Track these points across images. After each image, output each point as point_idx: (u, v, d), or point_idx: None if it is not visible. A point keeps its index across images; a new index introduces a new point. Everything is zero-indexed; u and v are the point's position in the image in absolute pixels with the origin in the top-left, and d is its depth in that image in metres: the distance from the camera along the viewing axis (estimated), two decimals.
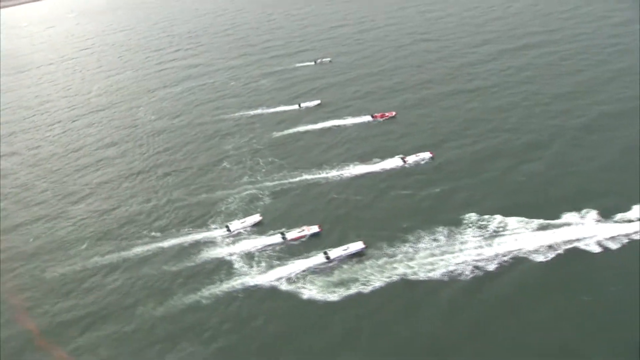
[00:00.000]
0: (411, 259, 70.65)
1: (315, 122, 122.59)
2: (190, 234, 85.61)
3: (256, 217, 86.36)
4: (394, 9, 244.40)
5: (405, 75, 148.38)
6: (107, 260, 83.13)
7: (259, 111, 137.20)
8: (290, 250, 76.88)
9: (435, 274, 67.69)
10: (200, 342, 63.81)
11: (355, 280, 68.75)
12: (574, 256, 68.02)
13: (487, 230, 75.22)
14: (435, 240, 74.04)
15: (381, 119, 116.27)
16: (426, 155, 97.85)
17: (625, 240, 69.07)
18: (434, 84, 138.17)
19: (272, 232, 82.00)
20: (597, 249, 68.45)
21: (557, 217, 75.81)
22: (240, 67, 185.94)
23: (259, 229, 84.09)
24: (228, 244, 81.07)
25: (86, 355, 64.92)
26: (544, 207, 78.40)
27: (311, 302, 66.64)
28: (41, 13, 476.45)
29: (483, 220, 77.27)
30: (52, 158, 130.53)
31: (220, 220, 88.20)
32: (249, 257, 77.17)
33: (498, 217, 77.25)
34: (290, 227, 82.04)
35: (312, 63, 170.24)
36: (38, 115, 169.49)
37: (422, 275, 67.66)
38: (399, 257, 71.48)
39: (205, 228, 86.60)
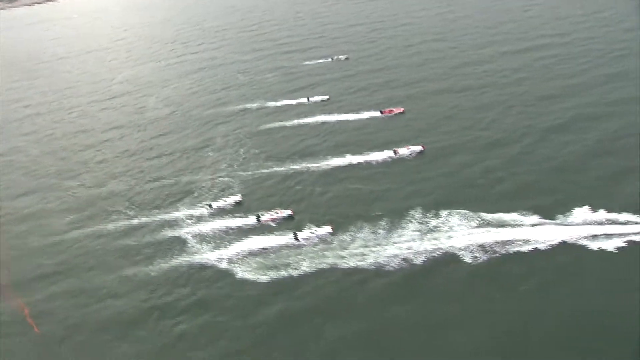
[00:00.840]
0: (366, 246, 74.28)
1: (318, 115, 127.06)
2: (169, 212, 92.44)
3: (237, 197, 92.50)
4: (415, 10, 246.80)
5: (418, 73, 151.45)
6: (83, 230, 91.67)
7: (270, 103, 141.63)
8: (262, 230, 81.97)
9: (364, 264, 70.71)
10: (138, 301, 71.31)
11: (287, 265, 73.02)
12: (503, 256, 68.96)
13: (427, 226, 76.76)
14: (374, 232, 76.84)
15: (390, 114, 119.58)
16: (418, 148, 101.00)
17: (558, 241, 69.75)
18: (435, 82, 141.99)
19: (248, 213, 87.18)
20: (528, 249, 69.45)
21: (501, 214, 77.21)
22: (254, 60, 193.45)
23: (238, 208, 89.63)
24: (199, 222, 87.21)
25: (42, 304, 73.66)
26: (491, 204, 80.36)
27: (244, 281, 71.55)
28: (95, 5, 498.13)
29: (427, 215, 79.50)
30: (63, 138, 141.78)
31: (199, 199, 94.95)
32: (221, 235, 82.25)
33: (444, 213, 79.36)
34: (267, 209, 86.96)
35: (329, 60, 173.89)
36: (63, 99, 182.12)
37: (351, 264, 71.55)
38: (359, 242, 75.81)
39: (187, 206, 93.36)
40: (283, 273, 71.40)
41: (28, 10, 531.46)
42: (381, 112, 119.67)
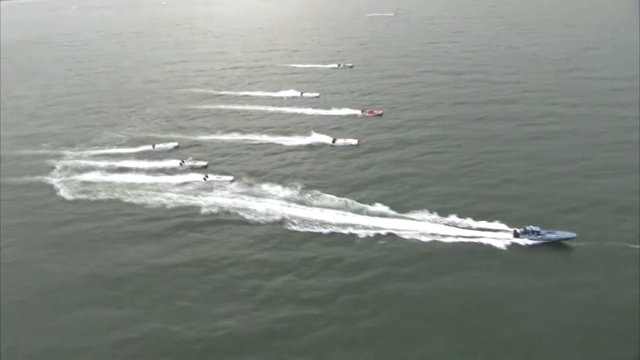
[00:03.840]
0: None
1: (305, 108, 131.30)
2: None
3: (174, 143, 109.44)
4: (427, 27, 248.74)
5: (416, 86, 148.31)
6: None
7: (267, 93, 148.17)
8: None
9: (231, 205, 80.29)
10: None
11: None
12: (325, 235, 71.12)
13: (297, 197, 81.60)
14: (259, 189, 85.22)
15: (368, 115, 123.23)
16: (353, 141, 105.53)
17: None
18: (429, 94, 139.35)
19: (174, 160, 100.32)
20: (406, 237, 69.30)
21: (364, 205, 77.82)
22: (273, 58, 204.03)
23: (172, 153, 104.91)
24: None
25: None
26: (364, 196, 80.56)
27: None
28: None
29: (306, 190, 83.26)
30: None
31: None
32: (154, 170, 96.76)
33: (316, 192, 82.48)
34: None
35: (336, 66, 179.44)
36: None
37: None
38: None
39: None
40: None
41: None
42: (362, 112, 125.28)
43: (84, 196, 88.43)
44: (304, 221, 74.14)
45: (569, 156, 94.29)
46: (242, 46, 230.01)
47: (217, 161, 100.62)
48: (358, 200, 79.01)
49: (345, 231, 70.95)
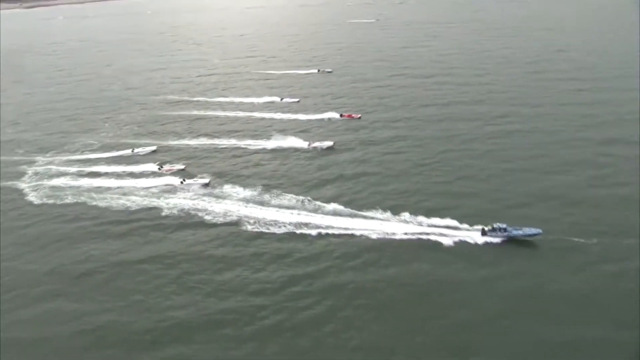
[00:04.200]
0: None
1: (284, 113, 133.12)
2: None
3: (153, 147, 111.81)
4: (405, 32, 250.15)
5: (391, 89, 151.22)
6: None
7: (245, 99, 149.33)
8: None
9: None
10: None
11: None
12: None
13: (258, 197, 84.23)
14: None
15: (348, 118, 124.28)
16: (329, 143, 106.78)
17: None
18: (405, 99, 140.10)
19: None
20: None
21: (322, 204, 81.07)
22: (252, 65, 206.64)
23: (152, 156, 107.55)
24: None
25: None
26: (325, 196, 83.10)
27: None
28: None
29: (269, 191, 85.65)
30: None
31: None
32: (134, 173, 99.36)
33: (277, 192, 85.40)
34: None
35: (316, 71, 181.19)
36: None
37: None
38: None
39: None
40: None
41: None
42: (341, 116, 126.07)
43: (51, 200, 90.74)
44: (259, 220, 77.02)
45: (524, 154, 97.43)
46: (221, 53, 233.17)
47: (194, 164, 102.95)
48: (315, 199, 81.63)
49: (299, 230, 73.61)
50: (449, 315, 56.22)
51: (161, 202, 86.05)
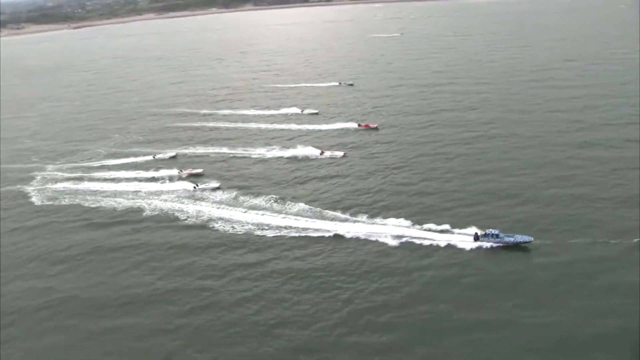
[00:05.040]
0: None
1: (304, 124, 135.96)
2: None
3: (173, 153, 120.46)
4: (424, 45, 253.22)
5: (409, 100, 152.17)
6: None
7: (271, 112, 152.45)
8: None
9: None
10: None
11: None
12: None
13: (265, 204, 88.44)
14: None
15: (365, 128, 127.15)
16: (339, 153, 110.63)
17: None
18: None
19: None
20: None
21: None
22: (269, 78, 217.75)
23: (172, 162, 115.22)
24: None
25: None
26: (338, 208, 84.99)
27: None
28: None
29: (279, 200, 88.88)
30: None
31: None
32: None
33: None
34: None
35: (337, 84, 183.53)
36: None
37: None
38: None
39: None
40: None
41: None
42: (359, 125, 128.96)
43: (50, 202, 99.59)
44: (227, 220, 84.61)
45: (494, 157, 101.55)
46: (241, 67, 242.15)
47: (210, 170, 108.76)
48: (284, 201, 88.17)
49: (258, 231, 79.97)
50: (376, 295, 61.71)
51: (144, 203, 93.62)
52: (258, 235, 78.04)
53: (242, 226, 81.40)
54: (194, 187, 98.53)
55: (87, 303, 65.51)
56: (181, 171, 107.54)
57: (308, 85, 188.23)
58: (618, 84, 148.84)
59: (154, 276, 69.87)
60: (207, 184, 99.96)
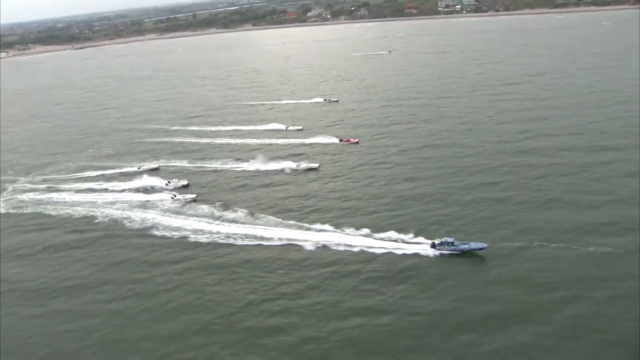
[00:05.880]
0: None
1: (288, 139, 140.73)
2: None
3: (156, 165, 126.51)
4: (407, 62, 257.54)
5: (392, 115, 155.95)
6: None
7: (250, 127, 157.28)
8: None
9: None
10: None
11: None
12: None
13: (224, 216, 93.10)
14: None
15: (346, 143, 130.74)
16: (314, 165, 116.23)
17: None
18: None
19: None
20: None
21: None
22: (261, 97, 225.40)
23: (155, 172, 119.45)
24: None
25: None
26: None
27: None
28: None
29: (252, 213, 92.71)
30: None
31: None
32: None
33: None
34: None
35: (322, 100, 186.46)
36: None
37: None
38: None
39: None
40: None
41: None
42: (340, 140, 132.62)
43: (14, 210, 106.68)
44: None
45: (430, 165, 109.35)
46: (226, 85, 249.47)
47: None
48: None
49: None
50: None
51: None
52: (196, 242, 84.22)
53: (180, 232, 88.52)
54: (172, 197, 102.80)
55: (31, 287, 75.27)
56: (168, 182, 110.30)
57: (293, 102, 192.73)
58: (574, 97, 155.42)
59: (92, 270, 78.86)
60: (184, 194, 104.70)
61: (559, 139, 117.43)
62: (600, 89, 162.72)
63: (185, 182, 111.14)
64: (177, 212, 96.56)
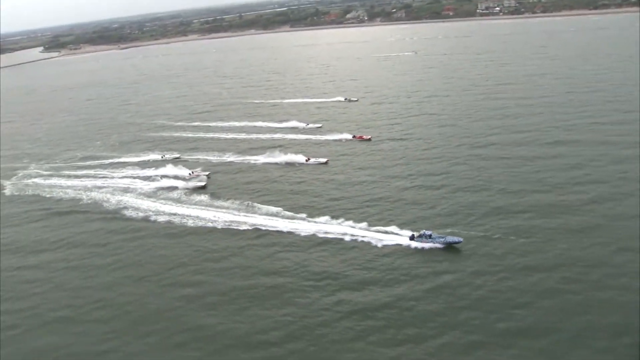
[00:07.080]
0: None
1: (305, 135, 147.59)
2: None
3: (176, 154, 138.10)
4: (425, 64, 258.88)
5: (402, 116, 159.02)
6: None
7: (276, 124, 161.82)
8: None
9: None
10: None
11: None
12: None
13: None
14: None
15: (359, 139, 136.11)
16: (322, 159, 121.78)
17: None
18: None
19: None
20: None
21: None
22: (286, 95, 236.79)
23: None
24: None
25: None
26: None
27: None
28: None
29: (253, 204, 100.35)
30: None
31: None
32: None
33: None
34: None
35: (343, 99, 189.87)
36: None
37: None
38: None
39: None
40: None
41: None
42: (353, 137, 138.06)
43: (17, 193, 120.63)
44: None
45: (397, 161, 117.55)
46: (252, 84, 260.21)
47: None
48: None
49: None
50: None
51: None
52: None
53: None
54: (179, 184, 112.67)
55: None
56: (192, 173, 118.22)
57: (314, 100, 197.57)
58: (558, 95, 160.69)
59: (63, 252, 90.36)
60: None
61: (529, 135, 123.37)
62: (590, 89, 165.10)
63: (206, 173, 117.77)
64: (182, 202, 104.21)
